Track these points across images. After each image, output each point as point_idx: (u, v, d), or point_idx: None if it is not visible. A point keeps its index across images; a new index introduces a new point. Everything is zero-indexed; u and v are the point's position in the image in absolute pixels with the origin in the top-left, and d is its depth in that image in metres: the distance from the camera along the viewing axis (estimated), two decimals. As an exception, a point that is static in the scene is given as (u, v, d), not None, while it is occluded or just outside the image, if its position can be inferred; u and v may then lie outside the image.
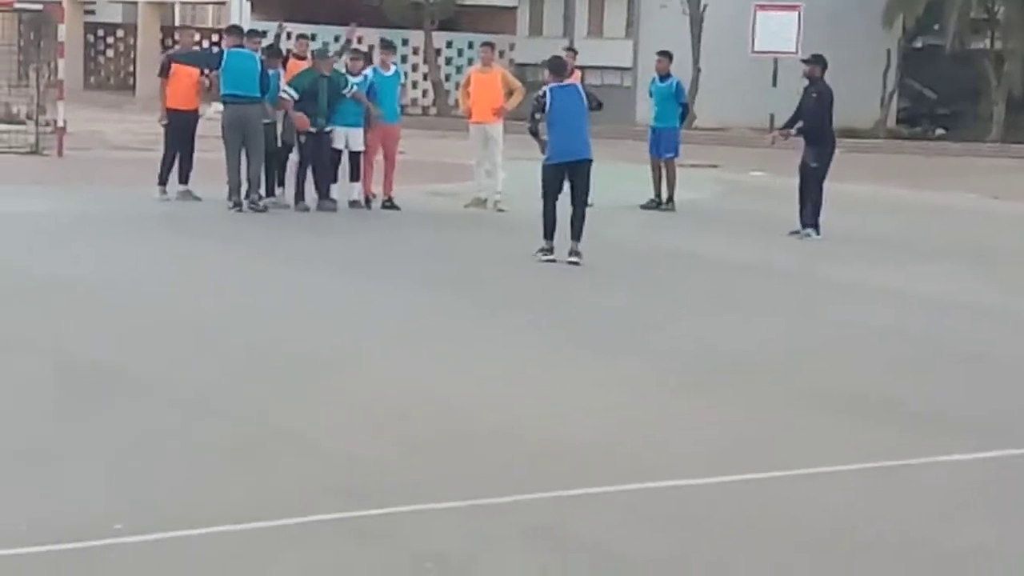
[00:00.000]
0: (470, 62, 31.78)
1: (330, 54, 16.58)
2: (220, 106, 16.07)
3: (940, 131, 36.34)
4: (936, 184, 23.37)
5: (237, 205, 15.47)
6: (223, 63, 15.59)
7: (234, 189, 15.54)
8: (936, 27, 36.17)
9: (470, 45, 37.07)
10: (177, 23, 40.25)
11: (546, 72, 13.41)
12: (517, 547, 5.50)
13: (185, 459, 6.44)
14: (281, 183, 16.29)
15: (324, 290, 11.11)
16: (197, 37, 22.39)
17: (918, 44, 37.45)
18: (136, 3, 41.49)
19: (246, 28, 17.56)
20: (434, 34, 37.34)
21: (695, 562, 5.47)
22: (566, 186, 12.91)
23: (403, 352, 8.96)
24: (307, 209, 15.84)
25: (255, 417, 7.19)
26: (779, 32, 32.13)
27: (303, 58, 16.55)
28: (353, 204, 16.31)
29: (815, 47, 19.16)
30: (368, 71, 16.36)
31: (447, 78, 37.84)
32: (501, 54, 34.36)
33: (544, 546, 5.52)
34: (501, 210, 16.63)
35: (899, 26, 35.41)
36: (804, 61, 15.99)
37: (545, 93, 12.89)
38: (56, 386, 7.72)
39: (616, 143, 24.84)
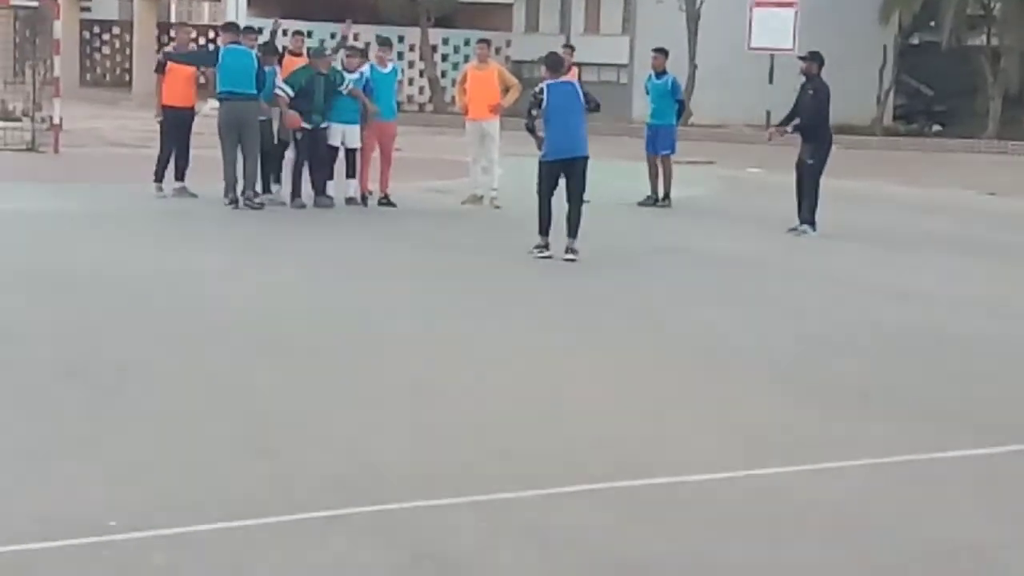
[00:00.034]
0: (466, 59, 31.75)
1: (327, 52, 16.55)
2: (216, 103, 16.07)
3: (936, 128, 36.37)
4: (933, 180, 23.38)
5: (233, 202, 15.47)
6: (219, 60, 15.58)
7: (230, 186, 15.53)
8: (932, 23, 36.21)
9: (466, 42, 37.08)
10: (173, 20, 40.27)
11: (543, 68, 13.40)
12: (515, 544, 5.49)
13: (185, 455, 6.43)
14: (277, 180, 16.29)
15: (321, 286, 11.10)
16: (193, 34, 22.35)
17: (914, 40, 37.48)
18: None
19: (242, 25, 17.58)
20: (430, 31, 37.36)
21: (695, 558, 5.46)
22: (562, 183, 12.91)
23: (400, 348, 8.95)
24: (303, 206, 15.84)
25: (254, 413, 7.18)
26: (776, 28, 32.14)
27: (299, 55, 16.55)
28: (349, 201, 16.31)
29: (812, 43, 19.14)
30: (365, 68, 16.35)
31: (443, 75, 37.86)
32: (497, 51, 34.42)
33: (543, 542, 5.50)
34: (497, 207, 16.63)
35: (895, 22, 35.43)
36: (801, 58, 15.97)
37: (542, 89, 12.89)
38: (54, 382, 7.70)
39: (612, 140, 24.86)
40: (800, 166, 15.44)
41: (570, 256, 12.70)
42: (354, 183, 16.36)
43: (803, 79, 15.59)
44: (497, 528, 5.67)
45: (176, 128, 16.06)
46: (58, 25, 21.58)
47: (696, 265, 13.13)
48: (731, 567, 5.40)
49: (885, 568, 5.44)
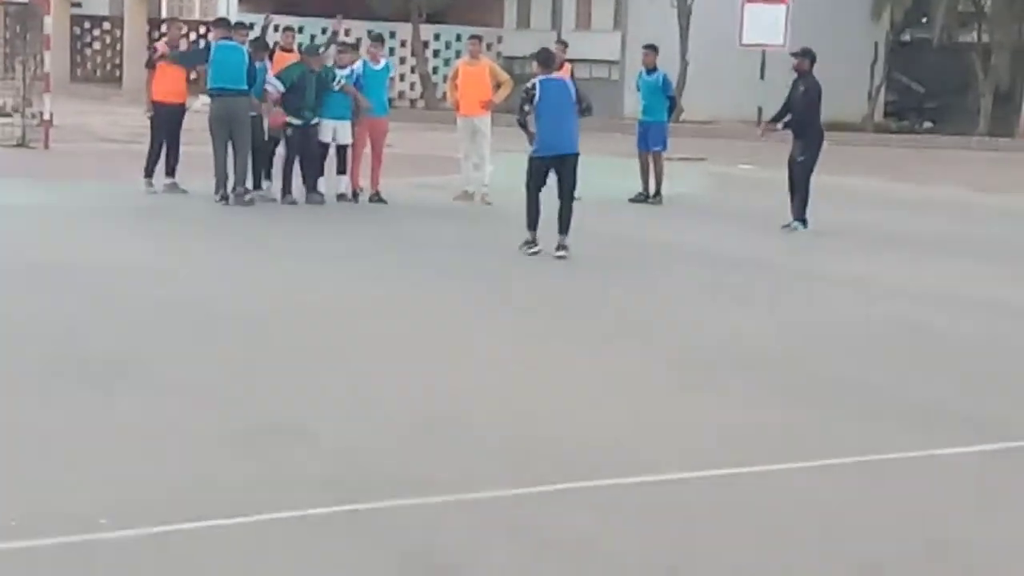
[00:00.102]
0: (458, 55, 31.74)
1: (321, 51, 16.52)
2: (207, 99, 16.04)
3: (928, 124, 36.43)
4: (924, 177, 23.41)
5: (224, 198, 15.44)
6: (210, 56, 15.55)
7: (221, 182, 15.51)
8: (924, 20, 36.25)
9: (458, 38, 37.07)
10: (164, 15, 40.17)
11: (535, 64, 13.39)
12: (506, 542, 5.48)
13: (178, 452, 6.41)
14: (268, 176, 16.26)
15: (313, 283, 11.08)
16: (184, 30, 22.26)
17: (906, 37, 37.52)
18: (122, -5, 41.43)
19: (233, 20, 17.54)
20: (422, 27, 37.32)
21: (687, 557, 5.45)
22: (551, 179, 12.90)
23: (391, 345, 8.93)
24: (294, 202, 15.82)
25: (247, 410, 7.17)
26: (767, 25, 32.18)
27: (290, 51, 16.51)
28: (340, 197, 16.29)
29: (803, 40, 19.15)
30: (357, 64, 16.33)
31: (435, 71, 37.84)
32: (489, 47, 34.43)
33: (533, 541, 5.49)
34: (488, 203, 16.62)
35: (887, 19, 35.48)
36: (793, 55, 15.97)
37: (534, 85, 12.87)
38: (47, 377, 7.68)
39: (604, 136, 24.84)
40: (792, 163, 15.45)
41: (561, 253, 12.69)
42: (345, 179, 16.34)
43: (795, 75, 15.60)
44: (486, 527, 5.66)
45: (167, 124, 16.04)
46: (48, 20, 21.52)
47: (687, 262, 13.12)
48: (722, 565, 5.39)
49: (877, 566, 5.43)
